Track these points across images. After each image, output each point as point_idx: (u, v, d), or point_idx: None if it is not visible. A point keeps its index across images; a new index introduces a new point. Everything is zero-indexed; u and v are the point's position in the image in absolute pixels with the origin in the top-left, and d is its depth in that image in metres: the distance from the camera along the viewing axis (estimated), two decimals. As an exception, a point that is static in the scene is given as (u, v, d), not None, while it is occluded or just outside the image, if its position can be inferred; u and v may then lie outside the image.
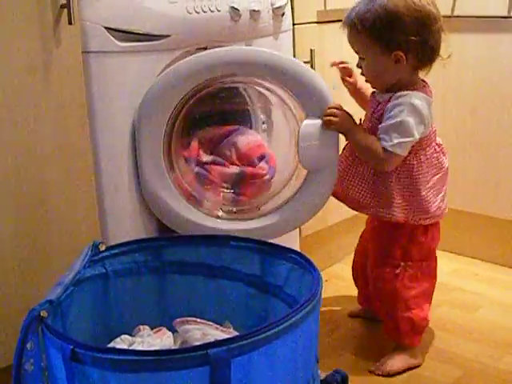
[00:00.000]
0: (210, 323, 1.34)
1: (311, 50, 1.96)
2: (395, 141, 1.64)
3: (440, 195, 1.77)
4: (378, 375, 1.78)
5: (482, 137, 2.30)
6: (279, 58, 1.71)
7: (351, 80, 1.87)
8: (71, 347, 1.02)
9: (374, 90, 1.79)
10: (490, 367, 1.79)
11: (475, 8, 2.20)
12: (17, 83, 1.44)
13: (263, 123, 2.01)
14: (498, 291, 2.23)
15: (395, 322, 1.80)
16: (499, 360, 1.82)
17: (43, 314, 1.10)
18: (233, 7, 1.77)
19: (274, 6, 1.89)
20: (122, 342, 1.31)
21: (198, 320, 1.34)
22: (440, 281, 1.91)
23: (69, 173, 1.56)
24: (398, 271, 1.78)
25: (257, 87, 1.89)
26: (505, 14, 2.13)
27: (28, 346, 1.11)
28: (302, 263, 1.30)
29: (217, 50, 1.71)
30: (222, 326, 1.38)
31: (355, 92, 1.89)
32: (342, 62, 1.85)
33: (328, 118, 1.67)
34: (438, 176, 1.75)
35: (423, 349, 1.87)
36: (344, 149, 1.80)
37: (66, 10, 1.48)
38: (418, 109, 1.65)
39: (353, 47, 1.73)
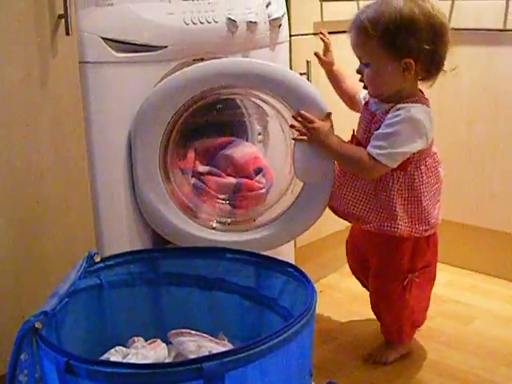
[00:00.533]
0: (205, 335, 1.34)
1: (307, 62, 1.97)
2: (383, 150, 1.61)
3: (437, 204, 1.77)
4: (374, 363, 1.85)
5: (479, 149, 2.31)
6: (273, 69, 1.72)
7: (327, 59, 1.85)
8: (65, 359, 1.02)
9: (369, 97, 1.75)
10: (485, 379, 1.79)
11: (471, 21, 2.21)
12: (13, 93, 1.45)
13: (259, 134, 2.01)
14: (494, 303, 2.23)
15: (399, 325, 1.84)
16: (495, 372, 1.82)
17: (38, 325, 1.10)
18: (230, 19, 1.78)
19: (271, 18, 1.89)
20: (116, 354, 1.31)
21: (193, 332, 1.34)
22: (435, 292, 1.91)
23: (64, 182, 1.56)
24: (405, 283, 1.77)
25: (253, 99, 1.90)
26: (500, 27, 2.14)
27: (22, 357, 1.11)
28: (296, 276, 1.30)
29: (212, 61, 1.71)
30: (216, 337, 1.38)
31: (331, 73, 1.88)
32: (323, 35, 1.84)
33: (297, 132, 1.68)
34: (436, 186, 1.74)
35: (418, 361, 1.88)
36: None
37: (63, 21, 1.49)
38: (417, 123, 1.62)
39: (357, 52, 1.67)
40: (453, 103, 2.32)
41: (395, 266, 1.77)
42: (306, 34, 2.10)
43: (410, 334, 1.88)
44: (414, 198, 1.69)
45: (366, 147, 1.66)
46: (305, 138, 1.66)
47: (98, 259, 1.35)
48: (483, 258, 2.41)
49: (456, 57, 2.24)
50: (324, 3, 2.10)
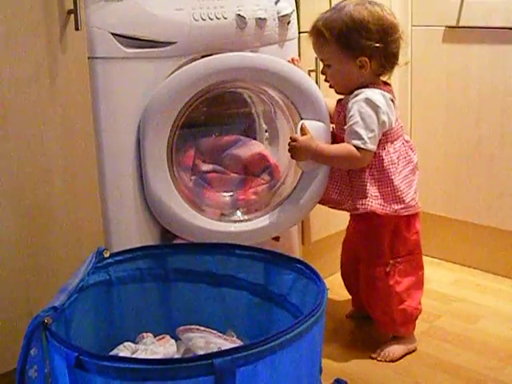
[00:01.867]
0: (214, 331, 1.33)
1: (316, 59, 1.97)
2: (365, 137, 1.73)
3: (413, 188, 1.84)
4: (380, 361, 1.88)
5: (486, 147, 2.30)
6: (276, 64, 1.78)
7: None
8: (76, 355, 1.01)
9: (340, 97, 1.87)
10: (491, 378, 1.78)
11: (480, 19, 2.20)
12: (23, 88, 1.45)
13: (266, 131, 2.02)
14: (500, 302, 2.22)
15: (390, 315, 1.89)
16: (500, 371, 1.82)
17: (47, 320, 1.10)
18: (239, 15, 1.77)
19: (280, 15, 1.89)
20: (125, 349, 1.30)
21: (202, 328, 1.34)
22: (441, 291, 1.91)
23: (73, 178, 1.56)
24: (388, 269, 1.86)
25: (261, 95, 1.90)
26: (510, 25, 2.13)
27: (32, 352, 1.11)
28: (306, 273, 1.29)
29: (220, 55, 1.71)
30: (225, 334, 1.38)
31: None
32: (293, 60, 1.93)
33: (290, 152, 1.78)
34: (408, 168, 1.83)
35: (425, 359, 1.88)
36: None
37: (72, 16, 1.49)
38: (373, 101, 1.74)
39: (318, 55, 1.85)
40: (461, 101, 2.32)
41: (377, 250, 1.86)
42: (315, 31, 2.09)
43: (406, 326, 1.92)
44: (385, 176, 1.79)
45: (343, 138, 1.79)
46: (295, 150, 1.78)
47: (107, 255, 1.35)
48: (490, 257, 2.41)
49: (465, 55, 2.25)
50: (333, 0, 2.09)
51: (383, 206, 1.80)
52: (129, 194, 1.67)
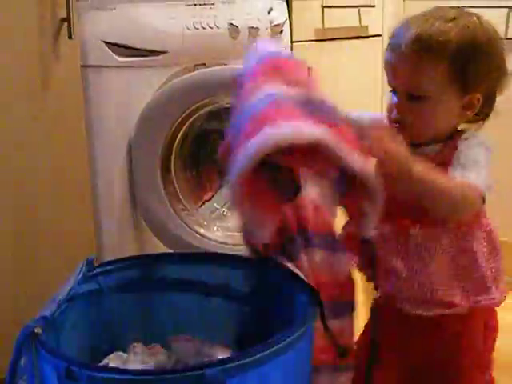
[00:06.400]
0: (205, 341, 1.33)
1: (308, 68, 1.97)
2: (478, 178, 1.18)
3: None
4: None
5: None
6: None
7: None
8: (66, 365, 1.00)
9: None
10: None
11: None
12: (15, 96, 1.44)
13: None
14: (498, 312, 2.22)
15: None
16: (497, 382, 1.82)
17: (37, 330, 1.09)
18: (232, 24, 1.78)
19: (273, 24, 1.90)
20: (115, 359, 1.30)
21: (192, 338, 1.33)
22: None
23: (64, 185, 1.55)
24: None
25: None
26: (501, 36, 2.14)
27: (21, 362, 1.10)
28: (297, 282, 1.29)
29: (215, 68, 1.71)
30: (215, 344, 1.37)
31: None
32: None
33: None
34: None
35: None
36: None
37: (65, 24, 1.49)
38: (488, 150, 1.25)
39: (407, 79, 1.19)
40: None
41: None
42: (308, 41, 2.10)
43: None
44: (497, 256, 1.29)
45: (405, 205, 1.19)
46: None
47: (97, 264, 1.34)
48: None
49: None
50: (326, 10, 2.10)
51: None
52: (120, 202, 1.67)
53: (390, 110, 1.23)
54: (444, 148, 1.22)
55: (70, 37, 1.49)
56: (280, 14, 1.93)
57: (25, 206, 1.48)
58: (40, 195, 1.51)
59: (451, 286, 1.24)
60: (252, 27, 1.83)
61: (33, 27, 1.45)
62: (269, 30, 1.90)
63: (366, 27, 2.22)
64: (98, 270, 1.35)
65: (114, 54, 1.60)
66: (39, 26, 1.46)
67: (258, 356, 1.02)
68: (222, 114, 1.92)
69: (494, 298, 1.28)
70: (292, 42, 2.03)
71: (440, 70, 1.16)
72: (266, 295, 1.38)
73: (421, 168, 1.10)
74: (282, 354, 1.06)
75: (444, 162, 1.19)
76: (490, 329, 1.36)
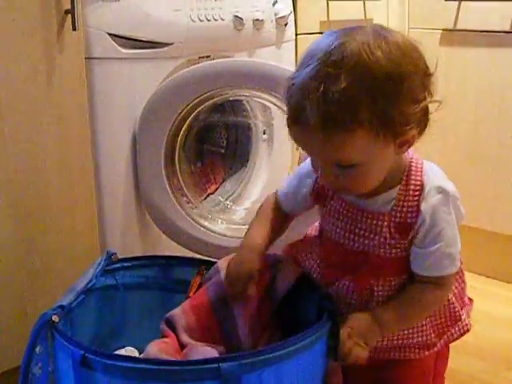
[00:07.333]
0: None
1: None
2: (456, 255, 1.21)
3: None
4: None
5: (483, 151, 2.30)
6: (270, 68, 1.68)
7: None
8: (82, 352, 1.00)
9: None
10: (486, 382, 1.78)
11: (478, 22, 2.20)
12: (19, 88, 1.44)
13: (264, 133, 2.01)
14: (496, 306, 2.22)
15: None
16: (496, 375, 1.82)
17: (54, 318, 1.09)
18: (236, 16, 1.77)
19: (278, 16, 1.89)
20: (125, 353, 1.29)
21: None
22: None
23: (69, 180, 1.55)
24: None
25: (259, 100, 1.89)
26: (507, 28, 2.13)
27: (37, 349, 1.10)
28: (313, 283, 1.27)
29: (220, 60, 1.70)
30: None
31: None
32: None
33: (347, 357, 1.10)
34: None
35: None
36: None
37: (70, 16, 1.48)
38: (451, 194, 1.19)
39: (330, 156, 1.02)
40: (458, 105, 2.32)
41: None
42: (313, 33, 2.10)
43: None
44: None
45: (351, 249, 1.15)
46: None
47: (115, 259, 1.34)
48: (483, 260, 2.40)
49: (462, 58, 2.25)
50: (330, 2, 2.10)
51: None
52: (125, 197, 1.66)
53: (316, 173, 1.10)
54: (399, 201, 1.12)
55: (74, 28, 1.48)
56: (285, 7, 1.92)
57: (30, 199, 1.48)
58: (45, 188, 1.51)
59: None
60: (257, 19, 1.82)
61: (37, 19, 1.44)
62: (274, 23, 1.89)
63: (371, 20, 2.21)
64: (116, 265, 1.35)
65: (118, 46, 1.59)
66: (43, 17, 1.45)
67: (275, 354, 1.02)
68: (226, 107, 1.92)
69: (466, 325, 1.27)
70: (297, 34, 2.02)
71: (358, 138, 0.98)
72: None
73: (392, 323, 1.12)
74: (300, 353, 1.06)
75: (405, 222, 1.12)
76: (442, 357, 1.32)
